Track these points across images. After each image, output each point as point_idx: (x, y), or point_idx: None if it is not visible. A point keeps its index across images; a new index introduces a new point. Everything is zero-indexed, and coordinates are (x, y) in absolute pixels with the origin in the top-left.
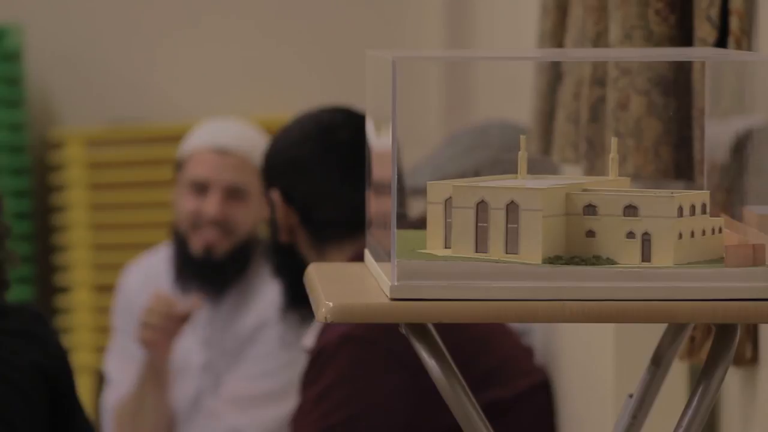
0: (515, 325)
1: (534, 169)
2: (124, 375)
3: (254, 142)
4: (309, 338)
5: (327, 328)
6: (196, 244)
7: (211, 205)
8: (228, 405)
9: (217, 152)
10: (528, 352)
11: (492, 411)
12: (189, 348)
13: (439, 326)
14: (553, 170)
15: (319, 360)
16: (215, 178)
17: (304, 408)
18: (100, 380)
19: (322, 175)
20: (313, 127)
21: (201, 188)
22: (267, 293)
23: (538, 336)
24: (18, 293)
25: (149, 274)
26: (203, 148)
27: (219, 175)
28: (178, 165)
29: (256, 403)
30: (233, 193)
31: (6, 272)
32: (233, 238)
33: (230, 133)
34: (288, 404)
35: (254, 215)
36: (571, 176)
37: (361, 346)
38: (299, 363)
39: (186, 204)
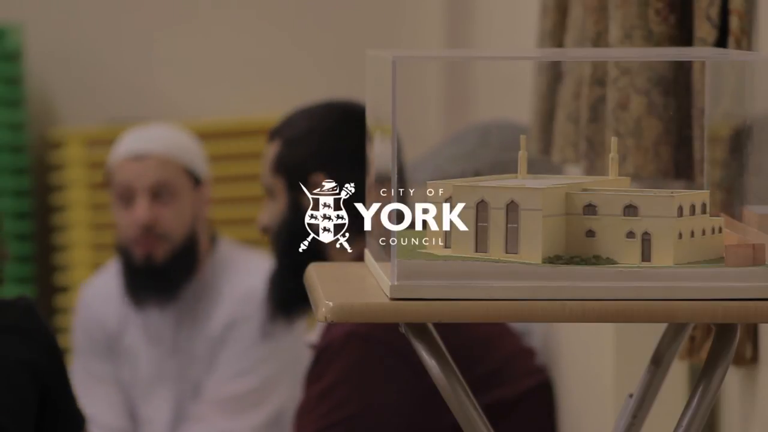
0: (516, 326)
1: (534, 169)
2: (89, 396)
3: (173, 142)
4: (314, 335)
5: (333, 324)
6: (137, 254)
7: (138, 210)
8: (212, 408)
9: (134, 159)
10: (529, 352)
11: (494, 411)
12: (158, 358)
13: (443, 327)
14: (552, 170)
15: (323, 356)
16: (137, 182)
17: (307, 405)
18: None
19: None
20: (341, 114)
21: (128, 196)
22: (233, 292)
23: (538, 336)
24: (18, 293)
25: (103, 293)
26: (122, 159)
27: (140, 178)
28: (106, 182)
29: (239, 404)
30: (159, 194)
31: None
32: (169, 241)
33: (144, 138)
34: (272, 401)
35: (187, 215)
36: (571, 176)
37: (366, 343)
38: (277, 357)
39: (118, 217)
